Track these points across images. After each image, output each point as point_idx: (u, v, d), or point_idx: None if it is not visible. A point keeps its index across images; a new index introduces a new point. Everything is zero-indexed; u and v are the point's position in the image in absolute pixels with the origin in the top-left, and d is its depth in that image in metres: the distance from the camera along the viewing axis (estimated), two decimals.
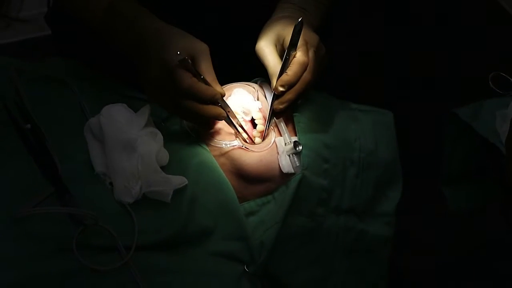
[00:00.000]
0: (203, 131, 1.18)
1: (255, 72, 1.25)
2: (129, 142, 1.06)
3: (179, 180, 1.09)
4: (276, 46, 1.18)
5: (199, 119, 1.14)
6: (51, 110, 1.15)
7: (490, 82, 1.22)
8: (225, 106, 1.15)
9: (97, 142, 1.10)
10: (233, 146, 1.16)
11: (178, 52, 1.06)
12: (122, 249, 1.01)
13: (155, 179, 1.06)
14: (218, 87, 1.12)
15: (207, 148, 1.17)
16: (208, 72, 1.11)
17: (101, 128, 1.09)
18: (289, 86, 1.13)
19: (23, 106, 1.11)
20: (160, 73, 1.10)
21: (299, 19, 1.10)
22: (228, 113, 1.16)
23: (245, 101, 1.20)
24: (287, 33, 1.15)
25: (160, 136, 1.11)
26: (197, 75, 1.10)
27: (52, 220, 1.00)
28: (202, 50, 1.12)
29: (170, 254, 1.06)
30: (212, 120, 1.16)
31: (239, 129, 1.17)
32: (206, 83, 1.11)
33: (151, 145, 1.08)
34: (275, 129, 1.20)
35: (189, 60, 1.08)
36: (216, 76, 1.13)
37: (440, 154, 1.32)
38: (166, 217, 1.07)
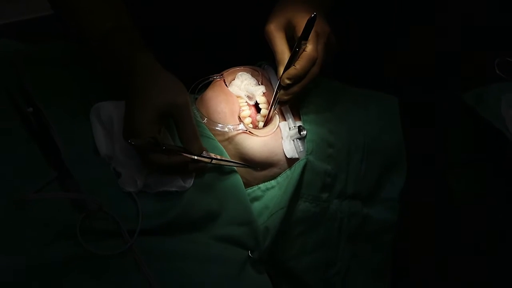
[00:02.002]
0: (206, 113, 1.17)
1: (259, 53, 1.24)
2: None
3: (189, 180, 1.08)
4: (285, 31, 1.16)
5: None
6: (54, 94, 1.14)
7: (496, 68, 1.21)
8: (210, 156, 1.11)
9: (103, 126, 1.09)
10: (238, 130, 1.15)
11: (131, 141, 1.01)
12: (125, 234, 1.01)
13: (168, 180, 1.06)
14: (196, 145, 1.08)
15: (211, 134, 1.16)
16: (186, 129, 1.06)
17: (111, 115, 1.07)
18: (296, 79, 1.12)
19: (25, 89, 1.10)
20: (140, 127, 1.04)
21: (313, 14, 1.08)
22: (216, 158, 1.11)
23: (249, 85, 1.19)
24: (298, 21, 1.13)
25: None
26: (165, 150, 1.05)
27: (55, 206, 0.99)
28: (181, 106, 1.05)
29: (174, 238, 1.06)
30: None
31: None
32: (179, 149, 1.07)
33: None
34: (279, 113, 1.19)
35: (156, 139, 1.03)
36: (221, 58, 1.11)
37: (445, 139, 1.32)
38: (170, 201, 1.07)
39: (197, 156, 1.08)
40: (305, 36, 1.10)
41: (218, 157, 1.12)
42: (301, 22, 1.12)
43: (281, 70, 1.13)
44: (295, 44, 1.11)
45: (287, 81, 1.12)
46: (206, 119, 1.17)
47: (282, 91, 1.14)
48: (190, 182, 1.08)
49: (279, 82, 1.14)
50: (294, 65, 1.12)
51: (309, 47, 1.12)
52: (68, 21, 1.19)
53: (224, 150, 1.15)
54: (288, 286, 1.20)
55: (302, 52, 1.12)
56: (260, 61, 1.27)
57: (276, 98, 1.16)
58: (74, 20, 1.17)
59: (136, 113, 1.03)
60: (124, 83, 1.07)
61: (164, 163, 1.05)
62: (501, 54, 1.28)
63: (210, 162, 1.10)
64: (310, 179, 1.15)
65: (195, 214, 1.09)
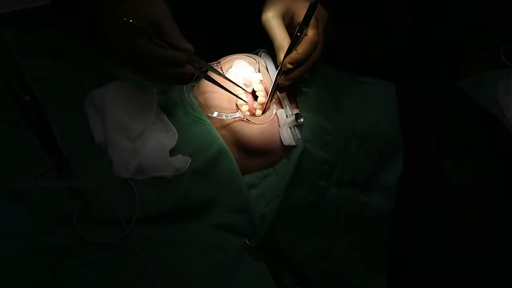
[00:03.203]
0: (202, 100, 1.17)
1: (257, 42, 1.24)
2: (132, 132, 1.06)
3: (183, 163, 1.08)
4: (284, 18, 1.16)
5: (170, 79, 1.10)
6: (50, 82, 1.14)
7: (502, 55, 1.21)
8: (202, 64, 1.11)
9: (98, 113, 1.09)
10: (235, 118, 1.15)
11: (125, 19, 1.01)
12: (123, 222, 1.01)
13: (162, 164, 1.06)
14: (184, 44, 1.05)
15: (208, 120, 1.16)
16: (171, 32, 1.05)
17: (103, 100, 1.08)
18: (298, 64, 1.12)
19: (22, 78, 1.10)
20: (119, 37, 1.05)
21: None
22: (206, 72, 1.12)
23: (246, 72, 1.19)
24: (297, 8, 1.14)
25: (173, 132, 1.11)
26: (156, 40, 1.04)
27: (52, 194, 0.99)
28: (162, 13, 1.05)
29: (171, 226, 1.06)
30: (188, 75, 1.10)
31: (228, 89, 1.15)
32: (173, 46, 1.05)
33: (159, 138, 1.08)
34: (276, 101, 1.19)
35: (140, 24, 1.02)
36: (217, 46, 1.11)
37: (442, 126, 1.32)
38: (167, 188, 1.07)
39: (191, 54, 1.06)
40: (306, 21, 1.11)
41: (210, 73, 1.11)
42: (300, 8, 1.12)
43: (281, 56, 1.13)
44: (296, 29, 1.12)
45: (289, 66, 1.12)
46: (204, 106, 1.17)
47: (283, 76, 1.15)
48: (185, 165, 1.08)
49: (280, 67, 1.14)
50: (296, 49, 1.12)
51: (311, 32, 1.12)
52: None
53: (220, 137, 1.15)
54: (285, 273, 1.20)
55: (303, 37, 1.12)
56: (257, 49, 1.27)
57: (277, 84, 1.16)
58: None
59: (117, 23, 1.02)
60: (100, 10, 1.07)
61: (158, 54, 1.03)
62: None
63: (201, 70, 1.10)
64: (308, 166, 1.16)
65: (192, 202, 1.09)
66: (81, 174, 1.02)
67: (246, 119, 1.15)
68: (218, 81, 1.14)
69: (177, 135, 1.11)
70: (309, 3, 1.10)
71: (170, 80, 1.10)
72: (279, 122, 1.17)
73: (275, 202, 1.13)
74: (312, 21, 1.12)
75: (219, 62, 1.21)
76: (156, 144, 1.07)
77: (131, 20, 1.01)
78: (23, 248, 0.95)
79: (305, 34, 1.12)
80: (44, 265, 0.95)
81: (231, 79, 1.17)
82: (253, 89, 1.20)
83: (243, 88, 1.17)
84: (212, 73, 1.14)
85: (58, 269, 0.96)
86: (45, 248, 0.96)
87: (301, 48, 1.12)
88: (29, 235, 0.96)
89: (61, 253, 0.96)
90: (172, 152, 1.09)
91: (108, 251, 1.00)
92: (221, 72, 1.16)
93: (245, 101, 1.17)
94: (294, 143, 1.16)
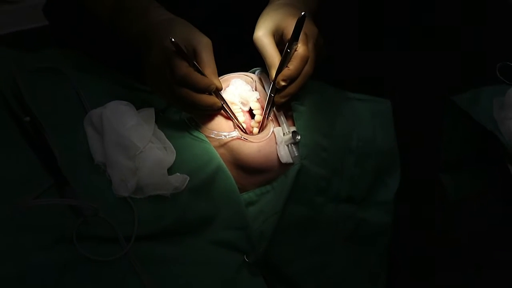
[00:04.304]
0: (200, 120, 1.19)
1: (253, 61, 1.25)
2: (131, 151, 1.07)
3: (181, 181, 1.09)
4: (274, 36, 1.17)
5: (194, 108, 1.14)
6: (50, 102, 1.15)
7: (497, 72, 1.21)
8: (221, 99, 1.15)
9: (97, 133, 1.10)
10: (232, 137, 1.16)
11: (172, 39, 1.07)
12: (122, 240, 1.02)
13: (160, 183, 1.07)
14: (216, 81, 1.13)
15: (206, 139, 1.17)
16: (208, 64, 1.12)
17: (102, 120, 1.09)
18: (291, 80, 1.14)
19: (22, 98, 1.11)
20: (159, 59, 1.11)
21: (302, 13, 1.10)
22: (224, 106, 1.16)
23: (242, 91, 1.20)
24: (287, 24, 1.15)
25: (172, 150, 1.12)
26: (194, 65, 1.10)
27: (52, 212, 1.00)
28: (204, 43, 1.12)
29: (170, 243, 1.07)
30: (208, 110, 1.16)
31: (235, 120, 1.18)
32: (204, 75, 1.11)
33: (158, 156, 1.09)
34: (273, 119, 1.20)
35: (186, 48, 1.09)
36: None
37: (438, 141, 1.33)
38: (166, 207, 1.08)
39: (216, 90, 1.13)
40: (295, 37, 1.12)
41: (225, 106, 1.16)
42: (290, 25, 1.13)
43: (273, 73, 1.15)
44: (286, 46, 1.13)
45: (282, 83, 1.13)
46: (201, 125, 1.18)
47: (277, 95, 1.16)
48: (183, 183, 1.09)
49: (272, 85, 1.15)
50: (287, 66, 1.13)
51: (301, 47, 1.13)
52: None
53: (218, 155, 1.16)
54: None
55: (294, 53, 1.13)
56: (253, 68, 1.28)
57: (271, 102, 1.17)
58: None
59: (160, 42, 1.11)
60: (139, 37, 1.17)
61: (194, 77, 1.10)
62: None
63: (222, 105, 1.15)
64: (305, 183, 1.16)
65: (191, 219, 1.10)
66: (81, 193, 1.03)
67: (244, 137, 1.16)
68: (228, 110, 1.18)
69: (175, 153, 1.12)
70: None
71: (202, 107, 1.13)
72: (276, 140, 1.17)
73: (273, 219, 1.14)
74: (301, 37, 1.13)
75: None
76: (154, 162, 1.08)
77: (173, 40, 1.07)
78: (23, 265, 0.95)
79: (295, 50, 1.13)
80: (46, 281, 0.96)
81: (229, 97, 1.18)
82: (250, 107, 1.21)
83: (240, 107, 1.19)
84: None
85: (59, 285, 0.96)
86: (44, 265, 0.96)
87: (292, 65, 1.13)
88: (29, 253, 0.97)
89: (61, 270, 0.97)
90: (170, 170, 1.10)
91: (109, 268, 1.00)
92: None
93: (242, 121, 1.18)
94: (291, 161, 1.16)
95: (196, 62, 1.11)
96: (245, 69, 1.27)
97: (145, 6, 1.20)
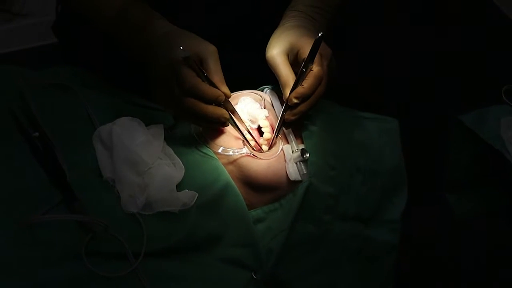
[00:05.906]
0: (209, 136, 1.19)
1: (262, 80, 1.26)
2: (140, 166, 1.08)
3: (190, 197, 1.09)
4: (288, 55, 1.18)
5: (202, 120, 1.14)
6: (59, 118, 1.15)
7: (503, 95, 1.22)
8: (230, 109, 1.15)
9: (106, 149, 1.11)
10: (241, 154, 1.16)
11: (181, 48, 1.08)
12: (131, 256, 1.02)
13: (169, 199, 1.07)
14: (224, 89, 1.13)
15: (215, 156, 1.17)
16: (215, 73, 1.12)
17: (111, 136, 1.09)
18: (304, 98, 1.14)
19: (31, 114, 1.11)
20: (165, 71, 1.12)
21: (320, 34, 1.10)
22: (234, 116, 1.16)
23: (251, 109, 1.21)
24: (302, 44, 1.15)
25: (180, 166, 1.12)
26: (202, 75, 1.11)
27: (61, 228, 1.00)
28: (211, 51, 1.13)
29: (179, 260, 1.07)
30: (216, 122, 1.15)
31: (245, 133, 1.18)
32: (212, 84, 1.12)
33: (167, 172, 1.09)
34: (282, 137, 1.20)
35: (193, 59, 1.09)
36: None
37: (445, 160, 1.33)
38: (174, 223, 1.08)
39: (224, 98, 1.13)
40: (312, 57, 1.12)
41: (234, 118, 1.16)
42: (305, 45, 1.14)
43: (287, 92, 1.15)
44: (302, 65, 1.13)
45: (295, 100, 1.14)
46: (210, 141, 1.18)
47: (288, 111, 1.16)
48: (192, 200, 1.09)
49: (286, 103, 1.15)
50: (301, 85, 1.13)
51: (316, 68, 1.14)
52: (79, 8, 1.29)
53: (226, 172, 1.16)
54: None
55: (308, 72, 1.14)
56: (262, 86, 1.29)
57: (282, 119, 1.17)
58: (85, 3, 1.26)
59: (166, 53, 1.12)
60: (143, 51, 1.17)
61: (201, 87, 1.10)
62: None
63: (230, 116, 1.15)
64: (313, 201, 1.17)
65: (199, 236, 1.10)
66: (90, 209, 1.03)
67: (253, 154, 1.16)
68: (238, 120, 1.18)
69: (184, 169, 1.12)
70: (313, 40, 1.12)
71: (209, 118, 1.13)
72: (285, 158, 1.18)
73: (281, 236, 1.14)
74: (316, 57, 1.13)
75: None
76: (163, 178, 1.08)
77: (181, 48, 1.08)
78: (31, 281, 0.95)
79: (310, 69, 1.14)
80: None
81: (238, 116, 1.18)
82: (259, 125, 1.21)
83: (249, 124, 1.19)
84: None
85: None
86: (53, 281, 0.96)
87: (306, 83, 1.14)
88: (37, 268, 0.96)
89: (71, 285, 0.97)
90: (179, 187, 1.10)
91: (117, 284, 1.00)
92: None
93: (251, 138, 1.18)
94: (300, 178, 1.17)
95: (205, 68, 1.11)
96: (254, 87, 1.27)
97: (147, 18, 1.21)
